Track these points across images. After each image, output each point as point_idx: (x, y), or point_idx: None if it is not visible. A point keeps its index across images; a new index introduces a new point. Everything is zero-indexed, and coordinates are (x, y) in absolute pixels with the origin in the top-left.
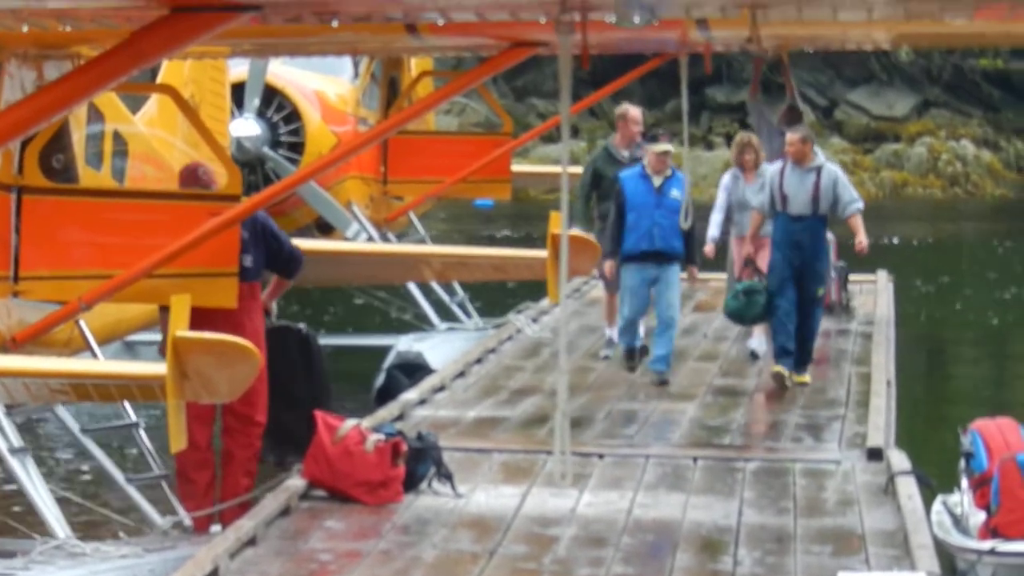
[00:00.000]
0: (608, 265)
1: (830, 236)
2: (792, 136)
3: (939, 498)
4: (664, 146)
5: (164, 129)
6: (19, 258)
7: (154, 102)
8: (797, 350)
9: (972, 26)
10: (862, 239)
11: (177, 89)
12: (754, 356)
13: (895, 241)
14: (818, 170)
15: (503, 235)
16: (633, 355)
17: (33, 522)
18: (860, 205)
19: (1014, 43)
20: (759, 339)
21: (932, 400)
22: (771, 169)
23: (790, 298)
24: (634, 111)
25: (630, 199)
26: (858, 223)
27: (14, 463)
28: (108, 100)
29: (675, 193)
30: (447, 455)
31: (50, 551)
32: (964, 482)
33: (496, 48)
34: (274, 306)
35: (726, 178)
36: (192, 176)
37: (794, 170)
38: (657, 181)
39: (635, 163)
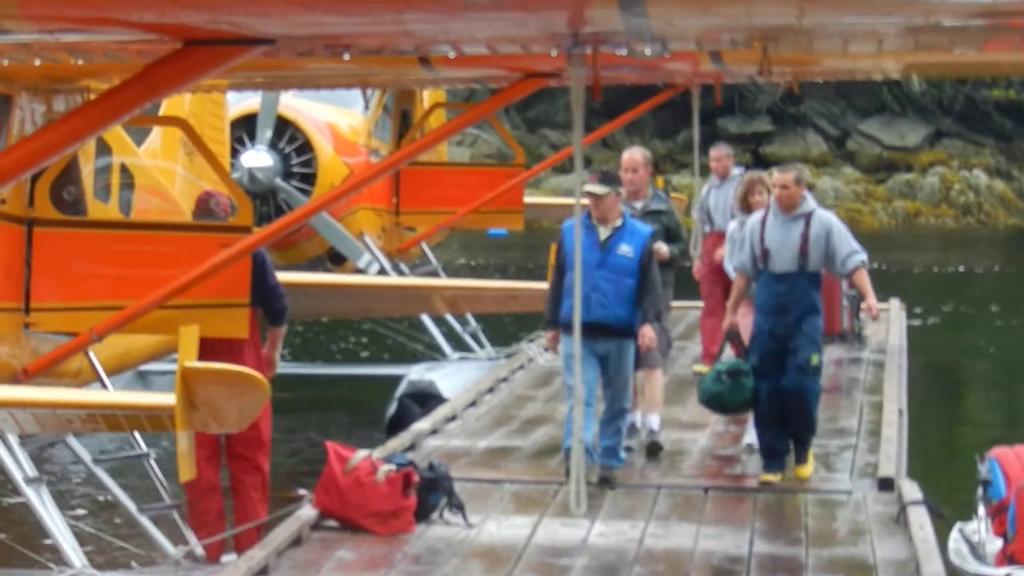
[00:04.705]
0: (548, 336)
1: None
2: (784, 176)
3: (957, 526)
4: (594, 187)
5: (167, 162)
6: (30, 290)
7: (157, 135)
8: (791, 440)
9: (984, 55)
10: (872, 303)
11: (187, 121)
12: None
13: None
14: (806, 217)
15: (517, 265)
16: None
17: (49, 552)
18: (863, 257)
19: None
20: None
21: (945, 429)
22: (751, 219)
23: (774, 380)
24: (627, 155)
25: (568, 255)
26: (864, 281)
27: (30, 492)
28: (115, 133)
29: (624, 249)
30: (459, 485)
31: None
32: (981, 509)
33: (508, 79)
34: (277, 357)
35: (732, 227)
36: (203, 206)
37: (778, 218)
38: (603, 233)
39: (648, 216)
